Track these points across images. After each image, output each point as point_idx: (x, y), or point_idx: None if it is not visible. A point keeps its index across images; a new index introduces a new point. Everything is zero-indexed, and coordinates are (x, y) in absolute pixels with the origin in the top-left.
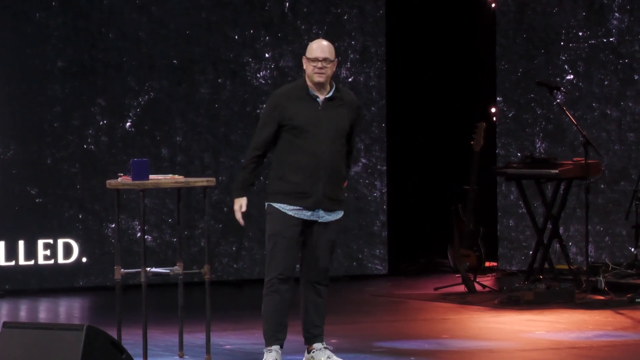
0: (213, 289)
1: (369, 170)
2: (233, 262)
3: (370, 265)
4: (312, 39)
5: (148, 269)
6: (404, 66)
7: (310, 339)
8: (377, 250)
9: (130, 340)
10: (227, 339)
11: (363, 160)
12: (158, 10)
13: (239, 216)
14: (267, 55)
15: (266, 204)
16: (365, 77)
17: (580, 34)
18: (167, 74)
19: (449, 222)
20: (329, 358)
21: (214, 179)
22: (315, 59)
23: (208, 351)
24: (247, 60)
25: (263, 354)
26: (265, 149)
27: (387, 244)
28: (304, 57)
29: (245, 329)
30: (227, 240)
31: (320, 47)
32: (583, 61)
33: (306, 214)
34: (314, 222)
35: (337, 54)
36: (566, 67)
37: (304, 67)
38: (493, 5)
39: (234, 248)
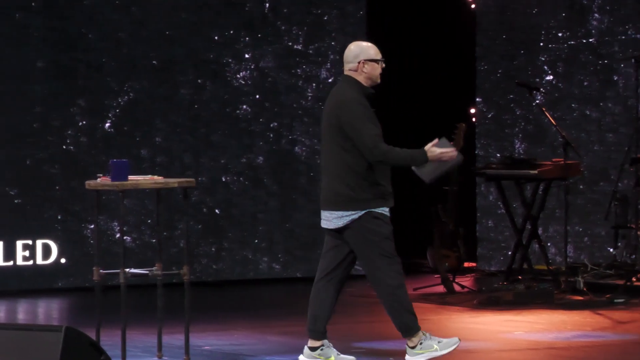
0: (192, 290)
1: None
2: (212, 263)
3: None
4: (292, 40)
5: (127, 269)
6: (384, 67)
7: (324, 334)
8: None
9: (109, 341)
10: (207, 340)
11: None
12: (138, 10)
13: (452, 150)
14: (247, 55)
15: (362, 211)
16: None
17: (560, 34)
18: (148, 75)
19: (429, 222)
20: (339, 355)
21: (193, 179)
22: (381, 60)
23: (187, 352)
24: (227, 60)
25: (420, 343)
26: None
27: None
28: (362, 61)
29: (225, 330)
30: (206, 241)
31: (377, 48)
32: (563, 62)
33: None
34: None
35: (317, 55)
36: (546, 67)
37: (364, 69)
38: (473, 5)
39: (213, 249)
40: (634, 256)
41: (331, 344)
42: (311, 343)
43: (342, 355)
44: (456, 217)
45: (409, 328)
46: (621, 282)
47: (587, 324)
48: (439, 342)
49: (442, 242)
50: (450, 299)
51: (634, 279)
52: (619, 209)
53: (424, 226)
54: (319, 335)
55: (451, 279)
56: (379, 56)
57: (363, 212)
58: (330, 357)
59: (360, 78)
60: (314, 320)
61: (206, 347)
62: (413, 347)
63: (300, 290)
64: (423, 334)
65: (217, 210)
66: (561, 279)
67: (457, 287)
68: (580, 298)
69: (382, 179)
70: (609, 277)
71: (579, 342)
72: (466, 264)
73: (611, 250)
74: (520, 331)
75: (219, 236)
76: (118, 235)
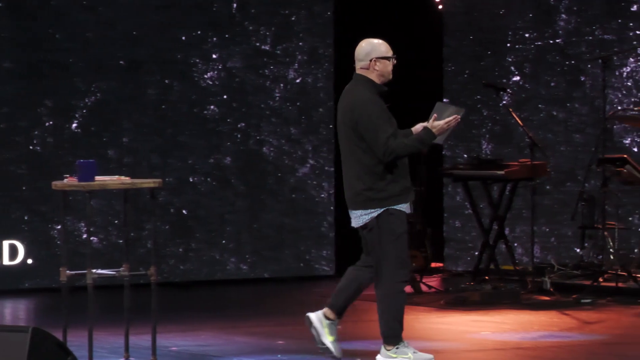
0: (160, 290)
1: (317, 172)
2: (180, 264)
3: (317, 266)
4: (260, 40)
5: (94, 270)
6: (351, 67)
7: (340, 314)
8: (325, 251)
9: (76, 342)
10: (174, 341)
11: (311, 162)
12: (106, 11)
13: (454, 118)
14: (214, 56)
15: (381, 209)
16: (313, 79)
17: (527, 35)
18: (115, 75)
19: None
20: (336, 341)
21: (160, 180)
22: (392, 57)
23: (154, 353)
24: (194, 61)
25: (397, 348)
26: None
27: (335, 245)
28: (374, 58)
29: (192, 330)
30: (174, 242)
31: (388, 45)
32: (530, 62)
33: (407, 208)
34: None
35: (285, 56)
36: (513, 68)
37: (376, 67)
38: (440, 6)
39: (181, 249)
40: (600, 256)
41: (339, 329)
42: (327, 312)
43: (338, 344)
44: (423, 218)
45: (393, 336)
46: (588, 282)
47: (553, 324)
48: (414, 352)
49: (409, 243)
50: (417, 299)
51: (600, 280)
52: (585, 209)
53: None
54: (337, 309)
55: (418, 279)
56: (390, 53)
57: (382, 209)
58: (332, 335)
59: (373, 76)
60: (339, 292)
61: (173, 348)
62: (388, 350)
63: (267, 290)
64: (402, 341)
65: (184, 211)
66: (528, 279)
67: (424, 288)
68: (547, 298)
69: (399, 175)
70: (575, 277)
71: (546, 342)
72: (433, 264)
73: (578, 250)
74: (487, 331)
75: (187, 237)
76: (85, 236)
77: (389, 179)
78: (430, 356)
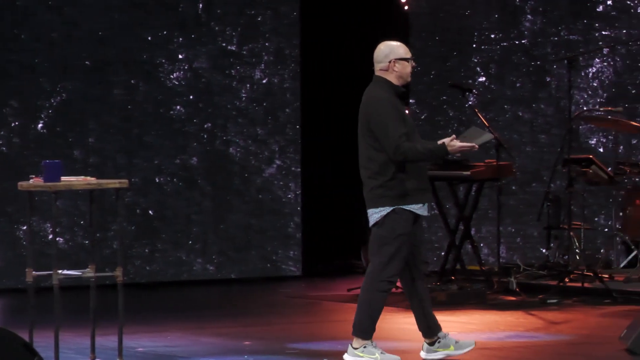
0: (126, 291)
1: (284, 172)
2: (146, 265)
3: (284, 266)
4: (226, 41)
5: (60, 271)
6: (318, 68)
7: (433, 330)
8: (292, 252)
9: (43, 342)
10: (140, 342)
11: (277, 162)
12: (71, 11)
13: (471, 146)
14: (180, 56)
15: (390, 207)
16: (279, 79)
17: (493, 36)
18: (81, 75)
19: (363, 223)
20: (457, 342)
21: (126, 180)
22: (410, 58)
23: (120, 354)
24: (160, 61)
25: (364, 347)
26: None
27: (302, 245)
28: (393, 60)
29: (158, 331)
30: (140, 243)
31: (406, 47)
32: (495, 63)
33: (424, 210)
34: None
35: (251, 56)
36: (479, 69)
37: (396, 68)
38: (406, 7)
39: (147, 250)
40: (566, 257)
41: (447, 334)
42: (426, 339)
43: (461, 342)
44: None
45: (362, 331)
46: (554, 282)
47: (519, 324)
48: (381, 352)
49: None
50: None
51: (566, 280)
52: (551, 209)
53: (359, 227)
54: (427, 331)
55: None
56: (408, 55)
57: (390, 208)
58: (449, 346)
59: (391, 77)
60: (415, 316)
61: (140, 349)
62: (356, 348)
63: (234, 291)
64: (370, 341)
65: (150, 212)
66: (494, 280)
67: None
68: (513, 298)
69: (412, 175)
70: (541, 277)
71: (512, 342)
72: None
73: (544, 250)
74: (453, 331)
75: (153, 237)
76: (51, 237)
77: (401, 177)
78: (397, 357)
